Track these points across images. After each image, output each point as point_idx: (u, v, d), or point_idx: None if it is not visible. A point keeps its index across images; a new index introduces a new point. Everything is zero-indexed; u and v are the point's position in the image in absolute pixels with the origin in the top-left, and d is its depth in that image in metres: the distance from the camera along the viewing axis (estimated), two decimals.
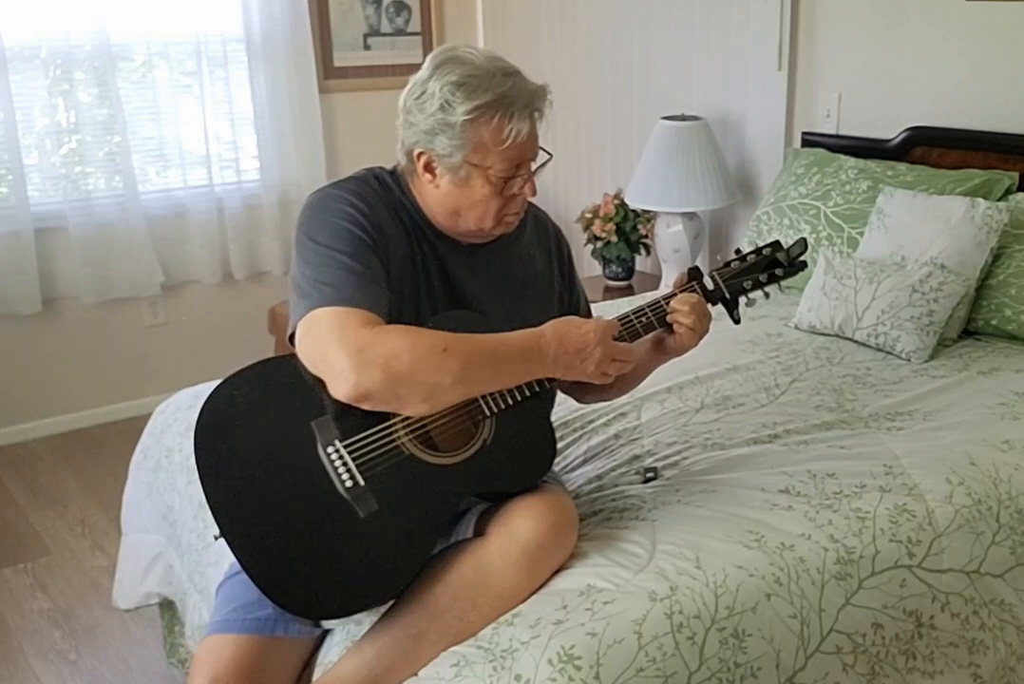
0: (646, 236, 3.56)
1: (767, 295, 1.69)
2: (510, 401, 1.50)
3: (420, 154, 1.52)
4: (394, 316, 1.50)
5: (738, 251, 1.68)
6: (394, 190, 1.59)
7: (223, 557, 1.43)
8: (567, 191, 4.19)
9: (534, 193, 1.56)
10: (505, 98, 1.46)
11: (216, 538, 1.43)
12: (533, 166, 1.56)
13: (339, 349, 1.36)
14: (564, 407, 2.12)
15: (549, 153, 1.57)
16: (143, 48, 3.65)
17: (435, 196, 1.55)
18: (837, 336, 2.51)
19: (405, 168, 1.58)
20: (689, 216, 3.41)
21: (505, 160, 1.49)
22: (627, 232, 3.55)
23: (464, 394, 1.43)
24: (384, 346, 1.36)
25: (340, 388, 1.37)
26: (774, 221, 2.91)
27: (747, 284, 1.66)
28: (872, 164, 2.83)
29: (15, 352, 3.65)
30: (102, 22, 3.50)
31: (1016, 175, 2.63)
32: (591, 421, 2.08)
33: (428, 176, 1.54)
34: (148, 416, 2.34)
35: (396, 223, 1.56)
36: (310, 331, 1.41)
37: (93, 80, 3.57)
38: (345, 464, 1.43)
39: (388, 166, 1.63)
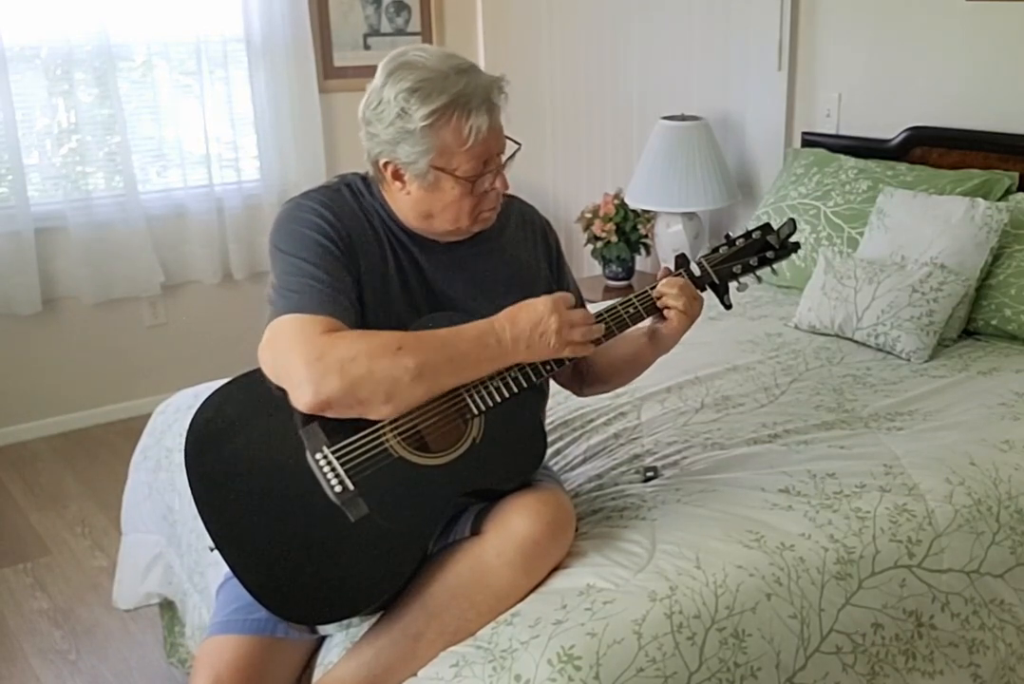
0: (646, 236, 3.56)
1: (759, 279, 1.68)
2: (498, 398, 1.50)
3: (386, 164, 1.52)
4: (373, 323, 1.51)
5: (727, 236, 1.68)
6: (366, 196, 1.59)
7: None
8: (567, 191, 4.19)
9: (506, 187, 1.56)
10: (461, 97, 1.46)
11: (212, 550, 1.43)
12: (503, 158, 1.55)
13: (298, 359, 1.38)
14: (564, 407, 2.12)
15: (518, 142, 1.57)
16: (143, 48, 3.65)
17: (407, 202, 1.55)
18: (837, 336, 2.51)
19: (374, 177, 1.59)
20: (689, 216, 3.41)
21: (471, 159, 1.49)
22: (627, 232, 3.55)
23: (427, 390, 1.42)
24: (338, 351, 1.38)
25: (301, 399, 1.39)
26: (774, 221, 2.91)
27: (737, 269, 1.65)
28: (872, 164, 2.83)
29: (15, 352, 3.65)
30: (102, 22, 3.50)
31: (1016, 175, 2.63)
32: (591, 420, 2.08)
33: (398, 184, 1.54)
34: (148, 416, 2.34)
35: (368, 230, 1.56)
36: (271, 340, 1.43)
37: (93, 80, 3.57)
38: (334, 470, 1.43)
39: (362, 171, 1.63)
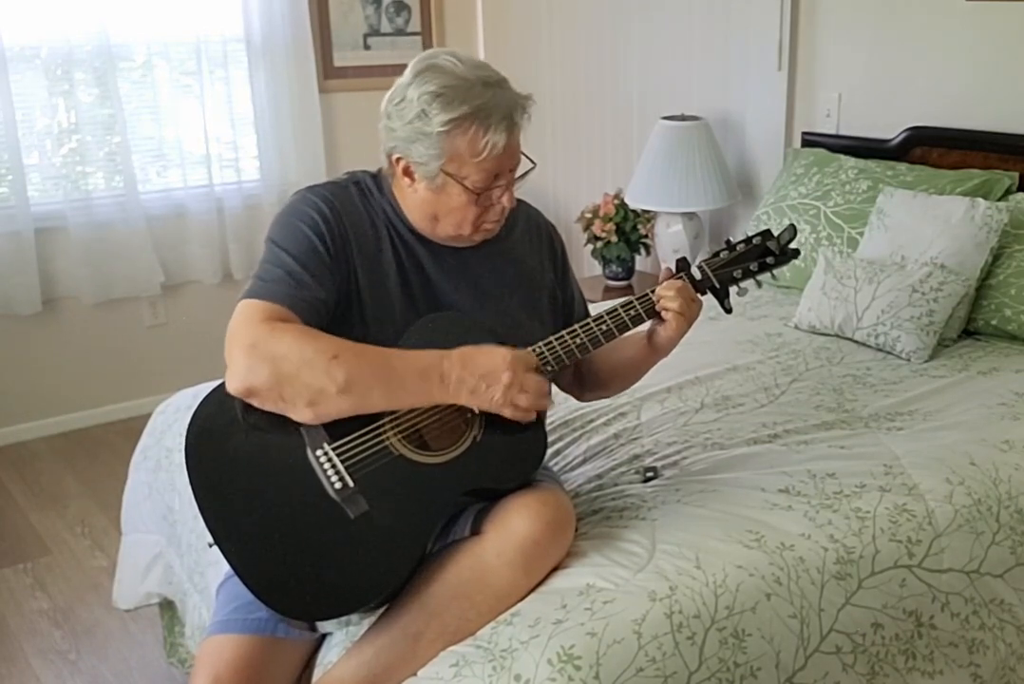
0: (646, 236, 3.56)
1: (759, 284, 1.69)
2: None
3: (399, 159, 1.53)
4: (372, 322, 1.51)
5: (728, 241, 1.68)
6: (373, 195, 1.59)
7: (223, 557, 1.44)
8: (567, 191, 4.19)
9: (512, 204, 1.56)
10: (481, 110, 1.45)
11: (210, 545, 1.44)
12: (518, 172, 1.55)
13: (237, 341, 1.40)
14: (564, 407, 2.12)
15: (533, 161, 1.56)
16: (143, 48, 3.65)
17: (414, 200, 1.55)
18: (837, 336, 2.51)
19: (386, 171, 1.59)
20: (689, 216, 3.41)
21: (481, 171, 1.49)
22: (627, 232, 3.55)
23: (355, 406, 1.41)
24: (275, 344, 1.38)
25: (230, 382, 1.40)
26: (774, 221, 2.91)
27: (737, 273, 1.65)
28: (872, 164, 2.83)
29: (15, 352, 3.65)
30: (102, 22, 3.50)
31: (1016, 175, 2.63)
32: (591, 421, 2.08)
33: (407, 180, 1.54)
34: (148, 416, 2.34)
35: (369, 230, 1.56)
36: (230, 321, 1.44)
37: (93, 80, 3.57)
38: (334, 466, 1.43)
39: (372, 169, 1.64)
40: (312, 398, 1.38)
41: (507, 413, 1.45)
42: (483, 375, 1.42)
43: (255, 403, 1.41)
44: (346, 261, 1.52)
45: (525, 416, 1.46)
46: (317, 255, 1.49)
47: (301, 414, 1.40)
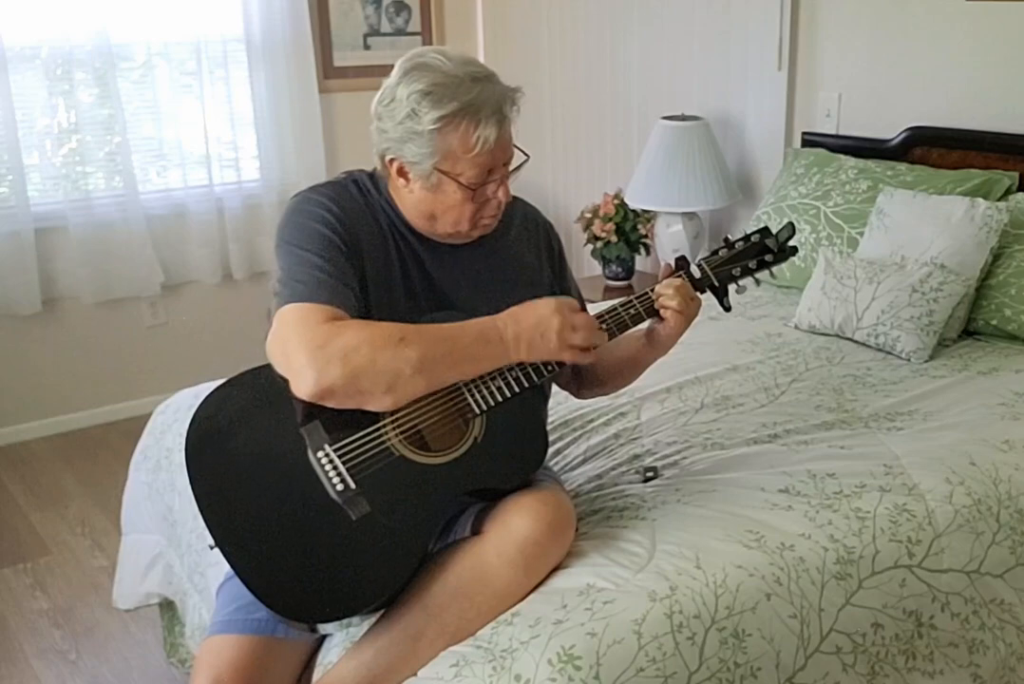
0: (646, 236, 3.56)
1: (757, 282, 1.69)
2: (499, 398, 1.50)
3: (392, 160, 1.53)
4: (376, 320, 1.50)
5: (726, 239, 1.68)
6: (372, 194, 1.60)
7: (223, 558, 1.44)
8: (567, 191, 4.19)
9: (508, 197, 1.56)
10: (471, 106, 1.46)
11: (211, 548, 1.43)
12: (512, 166, 1.56)
13: (299, 346, 1.38)
14: (564, 407, 2.12)
15: (526, 154, 1.57)
16: (143, 48, 3.65)
17: (410, 200, 1.56)
18: (837, 336, 2.51)
19: (381, 172, 1.59)
20: (689, 216, 3.42)
21: (475, 167, 1.49)
22: (627, 232, 3.55)
23: (428, 383, 1.42)
24: (341, 340, 1.38)
25: (302, 386, 1.38)
26: (774, 221, 2.91)
27: (736, 271, 1.65)
28: (872, 164, 2.83)
29: (15, 352, 3.65)
30: (102, 22, 3.50)
31: (1016, 175, 2.63)
32: (591, 421, 2.08)
33: (402, 181, 1.54)
34: (148, 416, 2.34)
35: (373, 227, 1.56)
36: (276, 328, 1.43)
37: (93, 80, 3.57)
38: (336, 468, 1.43)
39: (369, 168, 1.64)
40: (390, 383, 1.38)
41: (567, 357, 1.48)
42: (534, 326, 1.46)
43: (331, 403, 1.40)
44: (359, 257, 1.52)
45: (584, 358, 1.50)
46: (339, 252, 1.49)
47: (380, 402, 1.40)
